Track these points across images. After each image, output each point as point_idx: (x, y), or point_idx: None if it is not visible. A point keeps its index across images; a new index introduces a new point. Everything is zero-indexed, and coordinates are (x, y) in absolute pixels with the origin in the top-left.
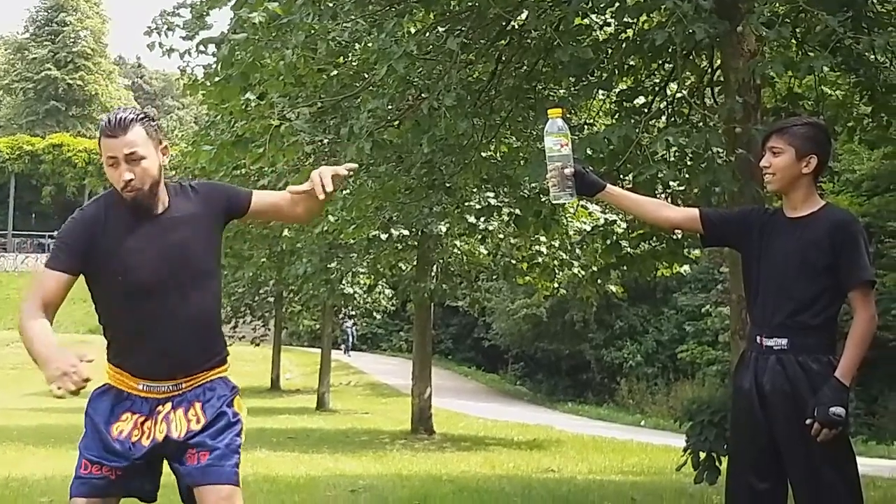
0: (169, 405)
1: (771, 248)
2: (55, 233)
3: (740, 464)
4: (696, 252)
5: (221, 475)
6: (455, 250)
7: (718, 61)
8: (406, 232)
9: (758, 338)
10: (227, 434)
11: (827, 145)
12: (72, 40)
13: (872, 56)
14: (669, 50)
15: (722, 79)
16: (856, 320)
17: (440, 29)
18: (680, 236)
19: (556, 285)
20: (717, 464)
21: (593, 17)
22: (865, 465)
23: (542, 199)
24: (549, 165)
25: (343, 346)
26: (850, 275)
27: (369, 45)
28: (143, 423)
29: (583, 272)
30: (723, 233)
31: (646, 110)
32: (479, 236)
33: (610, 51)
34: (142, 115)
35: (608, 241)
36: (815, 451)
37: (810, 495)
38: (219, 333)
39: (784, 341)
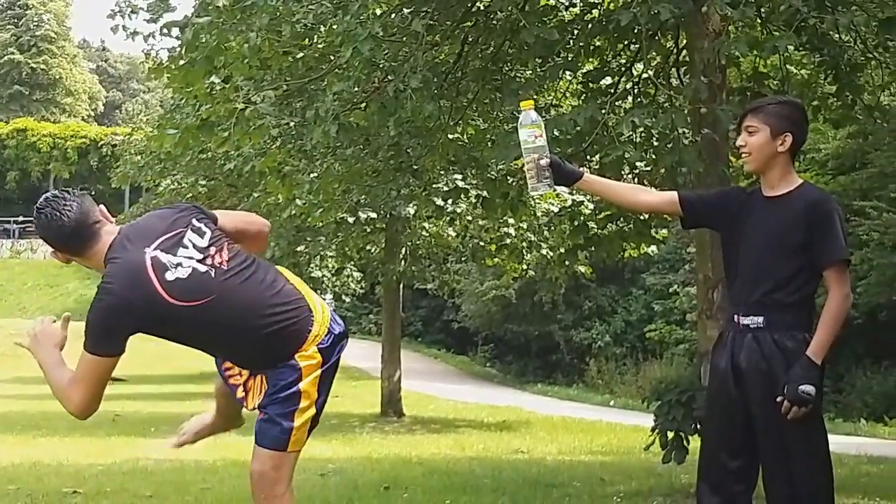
0: (247, 372)
1: (749, 227)
2: (20, 218)
3: (713, 442)
4: (664, 232)
5: (266, 438)
6: (423, 233)
7: (684, 42)
8: (374, 215)
9: (735, 316)
10: (283, 403)
11: (803, 123)
12: (35, 24)
13: (836, 35)
14: (635, 30)
15: (687, 59)
16: (830, 299)
17: (405, 11)
18: (647, 217)
19: (524, 267)
20: (684, 443)
21: None
22: (832, 442)
23: (510, 181)
24: (525, 157)
25: None
26: (824, 253)
27: (334, 27)
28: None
29: (551, 253)
30: (702, 214)
31: (612, 91)
32: (447, 218)
33: (575, 32)
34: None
35: (575, 223)
36: (789, 429)
37: (782, 473)
38: (284, 336)
39: (760, 319)
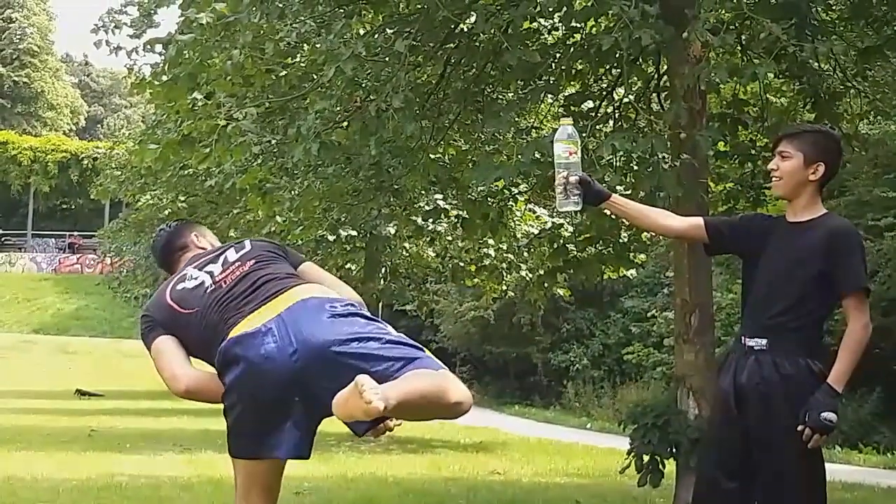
0: None
1: (769, 252)
2: None
3: (711, 462)
4: (642, 256)
5: None
6: (403, 252)
7: (664, 67)
8: (354, 233)
9: (742, 338)
10: None
11: (836, 155)
12: (18, 37)
13: (816, 64)
14: (616, 55)
15: (668, 84)
16: (850, 327)
17: (388, 31)
18: (625, 240)
19: (503, 288)
20: (660, 467)
21: (541, 21)
22: None
23: (490, 202)
24: (556, 173)
25: None
26: (844, 281)
27: (317, 46)
28: None
29: (530, 275)
30: (726, 241)
31: (593, 115)
32: (427, 238)
33: (558, 55)
34: None
35: (555, 245)
36: (785, 451)
37: (777, 494)
38: None
39: (764, 342)
